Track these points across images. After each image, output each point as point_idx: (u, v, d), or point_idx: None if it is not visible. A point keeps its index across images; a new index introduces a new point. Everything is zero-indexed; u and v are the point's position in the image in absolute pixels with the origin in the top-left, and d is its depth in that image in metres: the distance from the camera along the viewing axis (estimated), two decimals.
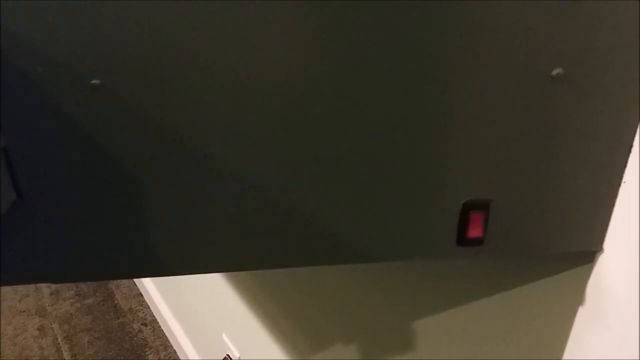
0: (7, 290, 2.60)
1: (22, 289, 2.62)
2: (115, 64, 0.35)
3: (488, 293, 0.60)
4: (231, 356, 1.52)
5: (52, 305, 2.48)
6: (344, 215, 0.42)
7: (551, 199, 0.43)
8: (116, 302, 2.49)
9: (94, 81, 0.36)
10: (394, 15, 0.36)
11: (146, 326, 2.32)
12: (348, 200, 0.42)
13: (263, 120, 0.38)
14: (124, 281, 2.64)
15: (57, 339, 2.25)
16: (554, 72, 0.38)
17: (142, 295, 2.53)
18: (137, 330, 2.29)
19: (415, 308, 0.72)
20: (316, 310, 0.98)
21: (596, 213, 0.44)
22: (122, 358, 2.13)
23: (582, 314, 0.50)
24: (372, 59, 0.37)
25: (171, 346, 2.19)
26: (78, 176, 0.39)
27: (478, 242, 0.43)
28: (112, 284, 2.62)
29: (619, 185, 0.43)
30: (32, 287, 2.61)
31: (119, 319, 2.37)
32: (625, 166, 0.42)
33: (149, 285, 2.41)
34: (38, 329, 2.31)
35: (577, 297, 0.50)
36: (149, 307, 2.43)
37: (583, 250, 0.46)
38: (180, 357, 2.11)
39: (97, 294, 2.55)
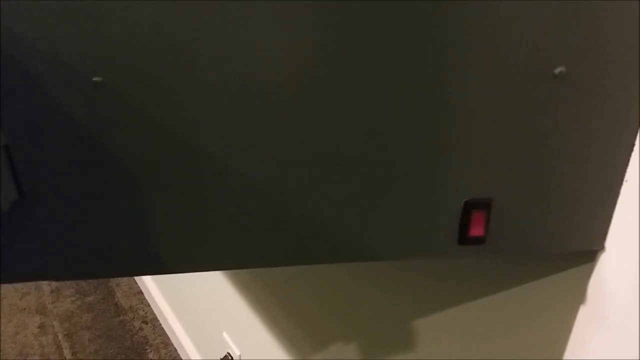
0: (7, 288, 2.60)
1: (22, 286, 2.62)
2: (116, 62, 0.35)
3: (489, 292, 0.60)
4: (231, 354, 1.52)
5: (52, 303, 2.48)
6: (344, 214, 0.42)
7: (553, 198, 0.43)
8: (117, 300, 2.49)
9: (96, 79, 0.36)
10: (394, 15, 0.36)
11: (147, 324, 2.32)
12: (349, 199, 0.42)
13: (263, 119, 0.38)
14: (124, 279, 2.64)
15: (57, 336, 2.25)
16: (557, 71, 0.38)
17: (142, 293, 2.53)
18: (137, 328, 2.29)
19: (415, 308, 0.72)
20: (316, 310, 0.98)
21: (597, 212, 0.44)
22: (122, 356, 2.13)
23: (583, 313, 0.50)
24: (373, 59, 0.37)
25: (172, 344, 2.19)
26: (79, 174, 0.39)
27: (479, 241, 0.43)
28: (113, 282, 2.62)
29: (620, 184, 0.43)
30: (32, 285, 2.61)
31: (119, 316, 2.37)
32: (626, 165, 0.42)
33: (149, 283, 2.41)
34: (39, 327, 2.31)
35: (578, 296, 0.50)
36: (150, 305, 2.43)
37: (584, 249, 0.46)
38: (181, 355, 2.11)
39: (98, 292, 2.55)
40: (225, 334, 1.55)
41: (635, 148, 0.41)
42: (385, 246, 0.44)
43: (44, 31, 0.34)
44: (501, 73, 0.38)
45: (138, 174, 0.39)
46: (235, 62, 0.36)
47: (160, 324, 2.31)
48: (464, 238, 0.43)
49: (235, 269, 0.44)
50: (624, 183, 0.43)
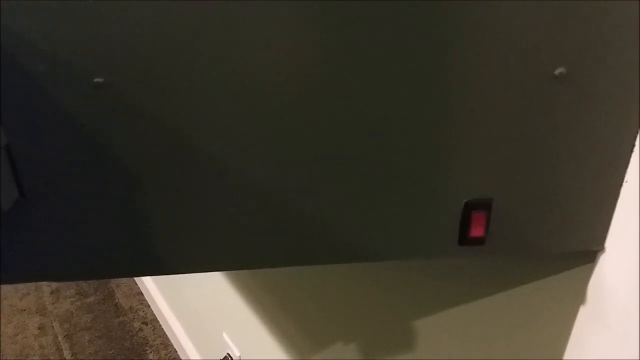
0: (7, 288, 2.60)
1: (22, 287, 2.62)
2: (117, 62, 0.36)
3: (489, 292, 0.60)
4: (231, 355, 1.52)
5: (52, 303, 2.48)
6: (344, 214, 0.42)
7: (553, 199, 0.43)
8: (117, 300, 2.49)
9: (97, 79, 0.36)
10: (394, 15, 0.36)
11: (146, 325, 2.32)
12: (349, 199, 0.42)
13: (263, 119, 0.38)
14: (124, 280, 2.64)
15: (57, 337, 2.25)
16: (557, 72, 0.38)
17: (142, 294, 2.53)
18: (137, 329, 2.29)
19: (416, 308, 0.72)
20: (316, 310, 0.98)
21: (597, 213, 0.44)
22: (122, 357, 2.13)
23: (583, 313, 0.50)
24: (373, 59, 0.37)
25: (171, 345, 2.19)
26: (79, 174, 0.39)
27: (480, 241, 0.43)
28: (113, 283, 2.62)
29: (620, 184, 0.43)
30: (32, 285, 2.61)
31: (119, 317, 2.37)
32: (626, 166, 0.42)
33: (149, 284, 2.41)
34: (38, 328, 2.31)
35: (578, 296, 0.50)
36: (150, 306, 2.43)
37: (584, 249, 0.46)
38: (181, 356, 2.11)
39: (98, 293, 2.55)
40: (225, 335, 1.55)
41: (635, 149, 0.41)
42: (386, 246, 0.44)
43: (44, 31, 0.34)
44: (501, 73, 0.38)
45: (138, 174, 0.39)
46: (235, 62, 0.36)
47: (160, 325, 2.31)
48: (464, 238, 0.43)
49: (235, 269, 0.44)
50: (624, 184, 0.43)
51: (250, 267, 0.44)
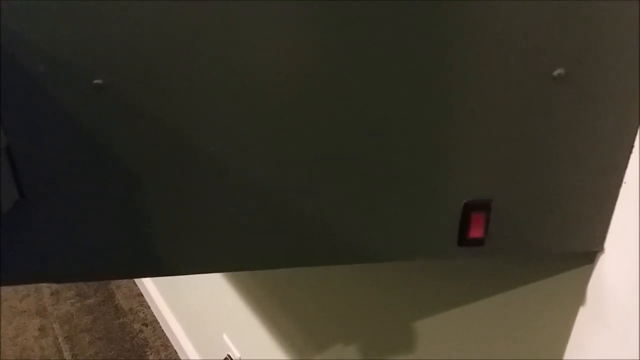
0: (7, 290, 2.60)
1: (22, 289, 2.62)
2: (117, 64, 0.36)
3: (489, 293, 0.60)
4: (232, 356, 1.52)
5: (52, 305, 2.48)
6: (344, 216, 0.42)
7: (552, 199, 0.43)
8: (117, 302, 2.49)
9: (97, 81, 0.36)
10: (394, 15, 0.36)
11: (147, 326, 2.32)
12: (349, 200, 0.42)
13: (264, 120, 0.38)
14: (124, 281, 2.64)
15: (57, 339, 2.25)
16: (556, 73, 0.38)
17: (142, 295, 2.53)
18: (137, 331, 2.29)
19: (415, 308, 0.72)
20: (316, 310, 0.98)
21: (597, 213, 0.44)
22: (122, 358, 2.13)
23: (582, 314, 0.50)
24: (373, 59, 0.37)
25: (172, 346, 2.19)
26: (79, 175, 0.39)
27: (479, 242, 0.43)
28: (113, 284, 2.62)
29: (619, 185, 0.43)
30: (32, 287, 2.61)
31: (119, 319, 2.37)
32: (626, 166, 0.42)
33: (149, 286, 2.41)
34: (39, 329, 2.31)
35: (578, 297, 0.50)
36: (150, 307, 2.43)
37: (584, 250, 0.46)
38: (181, 358, 2.11)
39: (98, 294, 2.55)
40: (225, 336, 1.55)
41: (635, 149, 0.41)
42: (385, 247, 0.44)
43: (44, 32, 0.34)
44: (500, 74, 0.38)
45: (138, 174, 0.39)
46: (235, 62, 0.36)
47: (160, 326, 2.30)
48: (463, 239, 0.43)
49: (235, 270, 0.44)
50: (623, 184, 0.43)
51: (251, 268, 0.44)
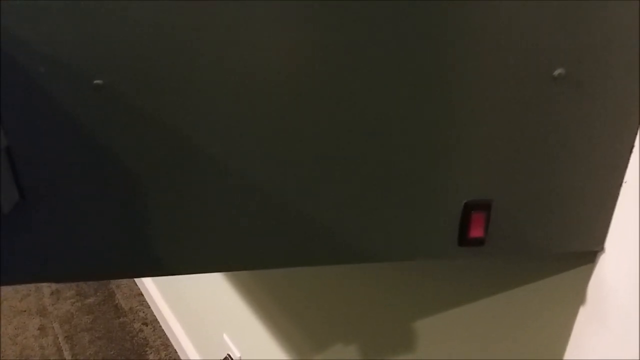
0: (7, 289, 2.60)
1: (22, 288, 2.62)
2: (117, 64, 0.36)
3: (489, 293, 0.60)
4: (232, 356, 1.52)
5: (52, 304, 2.48)
6: (345, 216, 0.42)
7: (552, 199, 0.43)
8: (117, 301, 2.49)
9: (97, 81, 0.36)
10: (394, 15, 0.36)
11: (147, 326, 2.32)
12: (349, 200, 0.42)
13: (264, 120, 0.38)
14: (124, 281, 2.64)
15: (57, 338, 2.25)
16: (556, 73, 0.38)
17: (142, 294, 2.53)
18: (137, 330, 2.29)
19: (415, 308, 0.72)
20: (316, 310, 0.98)
21: (597, 213, 0.44)
22: (122, 358, 2.13)
23: (583, 314, 0.50)
24: (373, 59, 0.37)
25: (172, 346, 2.19)
26: (79, 176, 0.39)
27: (479, 242, 0.43)
28: (113, 284, 2.62)
29: (619, 185, 0.43)
30: (32, 286, 2.61)
31: (119, 318, 2.37)
32: (626, 166, 0.42)
33: (149, 285, 2.41)
34: (39, 329, 2.31)
35: (578, 297, 0.50)
36: (150, 307, 2.43)
37: (584, 250, 0.46)
38: (181, 357, 2.11)
39: (98, 294, 2.55)
40: (225, 336, 1.55)
41: (635, 149, 0.41)
42: (385, 247, 0.44)
43: (44, 32, 0.34)
44: (500, 74, 0.38)
45: (138, 175, 0.39)
46: (235, 63, 0.36)
47: (160, 326, 2.31)
48: (463, 239, 0.43)
49: (235, 270, 0.44)
50: (624, 184, 0.43)
51: (251, 268, 0.44)
